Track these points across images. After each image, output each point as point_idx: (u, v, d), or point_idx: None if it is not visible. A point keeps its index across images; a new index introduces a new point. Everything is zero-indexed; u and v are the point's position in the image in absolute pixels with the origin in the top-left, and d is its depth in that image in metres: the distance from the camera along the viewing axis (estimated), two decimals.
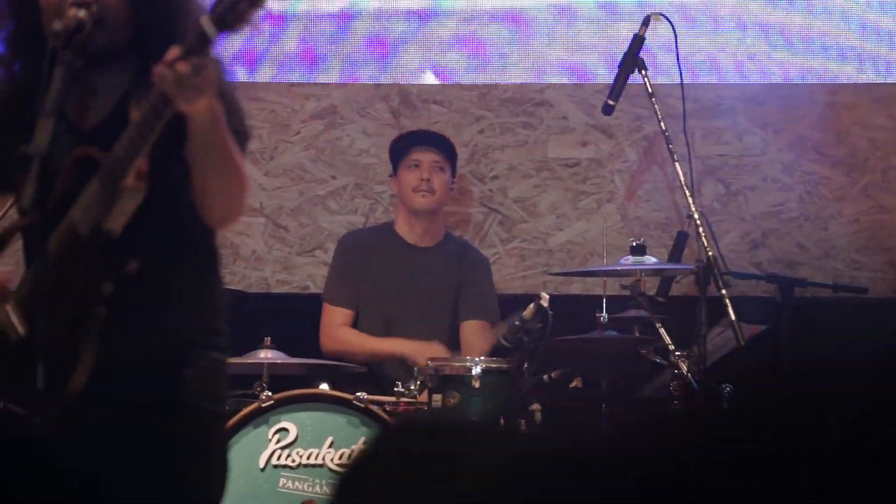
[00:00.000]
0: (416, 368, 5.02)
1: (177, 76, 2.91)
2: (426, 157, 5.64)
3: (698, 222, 4.91)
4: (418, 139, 5.73)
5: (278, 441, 4.91)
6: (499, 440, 1.48)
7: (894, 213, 6.16)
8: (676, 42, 5.20)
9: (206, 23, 2.89)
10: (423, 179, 5.60)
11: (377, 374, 5.40)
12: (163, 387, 3.12)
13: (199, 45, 2.91)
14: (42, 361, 2.88)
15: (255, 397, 4.94)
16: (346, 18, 6.28)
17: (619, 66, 5.22)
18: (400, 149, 5.72)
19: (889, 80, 6.20)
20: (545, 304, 4.89)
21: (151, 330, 3.11)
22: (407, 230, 5.68)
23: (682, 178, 5.02)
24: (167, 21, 3.06)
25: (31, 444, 2.64)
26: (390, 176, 5.79)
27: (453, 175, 5.73)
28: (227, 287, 5.66)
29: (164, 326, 3.13)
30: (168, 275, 3.14)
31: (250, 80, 6.21)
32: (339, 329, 5.58)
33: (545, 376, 5.02)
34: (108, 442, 3.08)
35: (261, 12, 2.91)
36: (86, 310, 3.04)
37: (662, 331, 4.91)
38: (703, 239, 4.88)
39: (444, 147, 5.72)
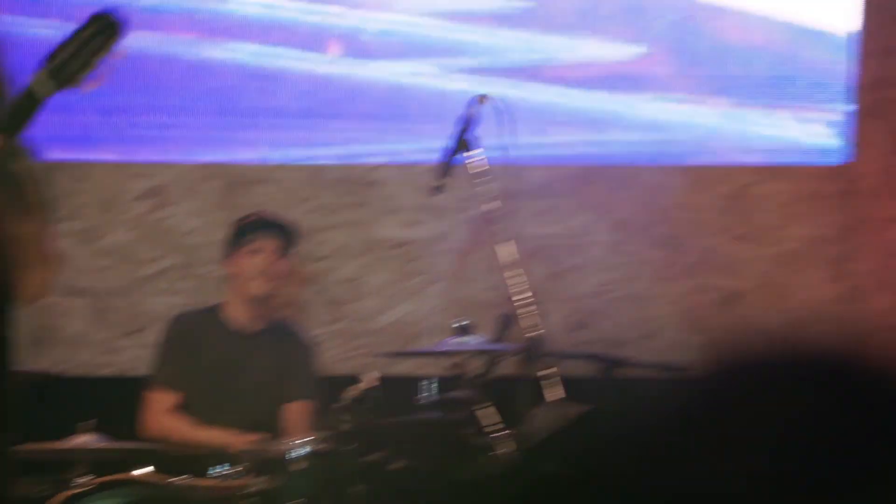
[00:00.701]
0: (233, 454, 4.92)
1: None
2: (269, 244, 5.52)
3: (524, 302, 4.95)
4: (262, 225, 5.57)
5: None
6: None
7: (715, 293, 6.27)
8: (504, 123, 5.25)
9: (39, 79, 2.66)
10: (264, 267, 5.51)
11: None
12: None
13: (28, 107, 2.69)
14: None
15: (70, 483, 4.83)
16: (182, 95, 6.24)
17: (447, 147, 5.26)
18: (242, 232, 5.56)
19: (709, 164, 6.34)
20: (370, 385, 4.88)
21: None
22: (237, 314, 5.58)
23: (508, 258, 5.06)
24: None
25: None
26: (225, 257, 5.65)
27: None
28: (47, 371, 5.60)
29: None
30: None
31: (77, 160, 6.13)
32: (162, 416, 5.46)
33: (368, 457, 4.99)
34: None
35: (106, 66, 2.67)
36: None
37: (488, 411, 4.92)
38: (529, 319, 4.91)
39: (287, 234, 5.60)
